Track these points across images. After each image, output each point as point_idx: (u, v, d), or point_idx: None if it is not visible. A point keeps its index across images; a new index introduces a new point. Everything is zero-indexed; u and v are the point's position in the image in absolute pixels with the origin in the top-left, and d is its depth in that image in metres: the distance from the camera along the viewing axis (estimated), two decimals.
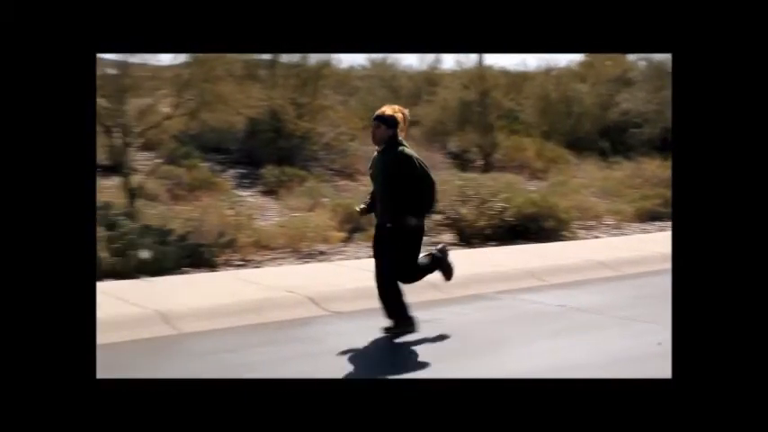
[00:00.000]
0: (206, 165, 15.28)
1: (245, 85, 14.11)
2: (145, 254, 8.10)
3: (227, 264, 8.95)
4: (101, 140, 12.73)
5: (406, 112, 6.19)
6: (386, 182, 6.06)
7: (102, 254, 7.85)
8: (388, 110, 6.14)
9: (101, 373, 3.83)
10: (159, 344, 5.92)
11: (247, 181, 15.25)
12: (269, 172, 14.77)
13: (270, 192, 14.12)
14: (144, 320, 6.24)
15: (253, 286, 7.41)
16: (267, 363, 5.50)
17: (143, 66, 12.29)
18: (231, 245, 9.35)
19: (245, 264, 9.08)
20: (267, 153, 15.99)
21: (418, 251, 6.17)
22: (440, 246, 6.67)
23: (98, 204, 8.84)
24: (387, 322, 6.20)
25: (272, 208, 12.72)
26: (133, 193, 10.76)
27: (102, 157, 14.34)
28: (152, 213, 10.03)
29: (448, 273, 6.54)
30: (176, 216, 10.04)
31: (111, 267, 7.83)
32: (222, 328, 6.30)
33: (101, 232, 7.99)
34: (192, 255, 8.64)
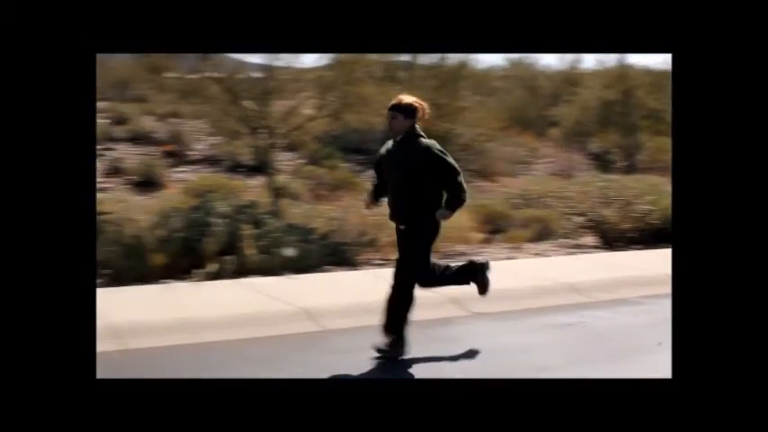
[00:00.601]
0: (346, 165, 15.56)
1: (384, 87, 14.27)
2: (289, 251, 8.32)
3: (368, 263, 9.08)
4: (246, 141, 13.17)
5: (425, 104, 5.79)
6: (404, 175, 5.69)
7: (249, 251, 8.11)
8: (405, 98, 5.71)
9: (258, 367, 3.91)
10: (305, 340, 6.07)
11: None
12: None
13: None
14: (291, 317, 6.44)
15: None
16: (407, 361, 5.55)
17: (287, 68, 12.56)
18: (372, 244, 9.48)
19: (385, 263, 9.18)
20: None
21: (429, 250, 5.70)
22: (483, 259, 6.12)
23: (244, 203, 9.15)
24: (386, 339, 5.62)
25: None
26: (277, 193, 11.08)
27: (247, 157, 14.90)
28: (295, 212, 10.28)
29: (483, 287, 5.98)
30: (319, 215, 10.25)
31: (257, 264, 8.10)
32: (364, 325, 6.38)
33: (247, 230, 8.26)
34: (335, 253, 8.82)
